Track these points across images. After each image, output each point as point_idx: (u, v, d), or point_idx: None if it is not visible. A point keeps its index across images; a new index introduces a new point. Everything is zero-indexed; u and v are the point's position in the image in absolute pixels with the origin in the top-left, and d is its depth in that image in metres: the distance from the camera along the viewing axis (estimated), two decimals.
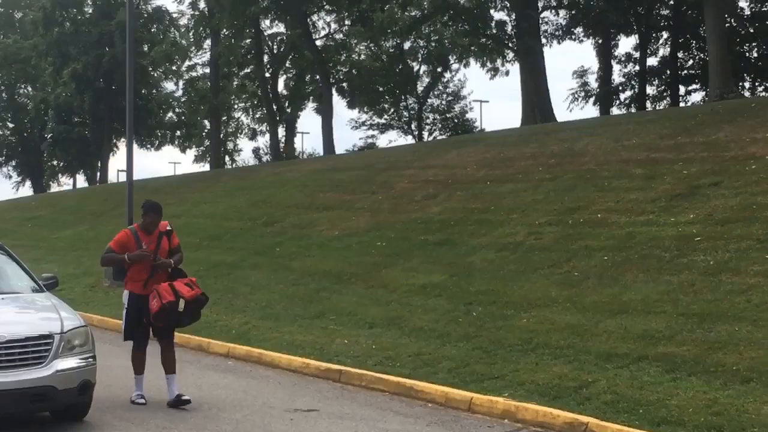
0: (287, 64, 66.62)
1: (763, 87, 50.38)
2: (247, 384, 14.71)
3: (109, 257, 12.91)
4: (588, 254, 18.32)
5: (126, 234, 12.85)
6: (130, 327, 12.82)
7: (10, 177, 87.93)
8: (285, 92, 68.76)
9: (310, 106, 71.52)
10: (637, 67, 53.61)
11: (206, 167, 75.88)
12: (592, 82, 55.16)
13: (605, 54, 52.91)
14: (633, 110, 51.08)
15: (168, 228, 12.79)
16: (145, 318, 12.61)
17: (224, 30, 59.86)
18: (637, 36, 52.61)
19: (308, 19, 56.54)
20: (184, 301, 12.40)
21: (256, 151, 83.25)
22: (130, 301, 12.73)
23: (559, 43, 49.14)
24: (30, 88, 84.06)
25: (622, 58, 54.85)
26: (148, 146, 78.51)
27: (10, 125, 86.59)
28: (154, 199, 13.40)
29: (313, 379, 15.17)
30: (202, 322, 20.00)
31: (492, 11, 48.24)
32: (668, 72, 52.36)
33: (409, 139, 73.41)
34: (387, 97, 73.02)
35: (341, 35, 62.48)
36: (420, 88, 74.02)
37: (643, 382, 12.25)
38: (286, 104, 68.58)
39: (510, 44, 48.67)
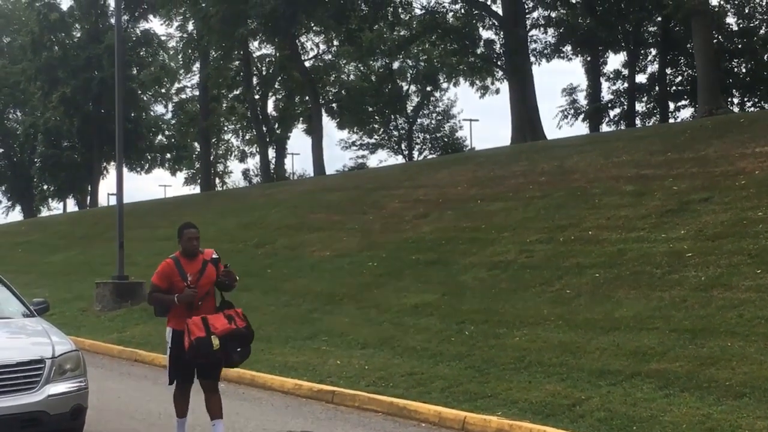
0: (276, 86, 66.73)
1: (751, 102, 50.57)
2: (240, 406, 14.66)
3: (158, 299, 11.21)
4: (579, 272, 18.33)
5: (168, 265, 11.20)
6: (174, 368, 11.22)
7: (0, 202, 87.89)
8: (274, 113, 68.85)
9: (300, 126, 71.67)
10: (626, 84, 53.75)
11: (197, 189, 75.89)
12: (582, 99, 55.29)
13: (594, 71, 53.05)
14: (622, 127, 51.17)
15: (214, 256, 11.37)
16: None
17: (213, 52, 59.96)
18: (625, 53, 52.79)
19: (296, 41, 56.60)
20: (218, 337, 10.74)
21: (245, 173, 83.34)
22: (173, 340, 11.14)
23: (548, 61, 49.25)
24: (19, 113, 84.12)
25: (611, 75, 54.98)
26: (138, 169, 78.55)
27: (0, 150, 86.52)
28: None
29: (306, 400, 15.13)
30: None
31: (480, 30, 48.48)
32: (657, 88, 52.48)
33: (399, 159, 73.58)
34: (377, 117, 73.21)
35: (330, 56, 62.65)
36: (410, 108, 74.20)
37: (636, 399, 12.24)
38: (276, 125, 68.61)
39: (499, 63, 48.84)
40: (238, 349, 11.00)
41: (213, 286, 11.31)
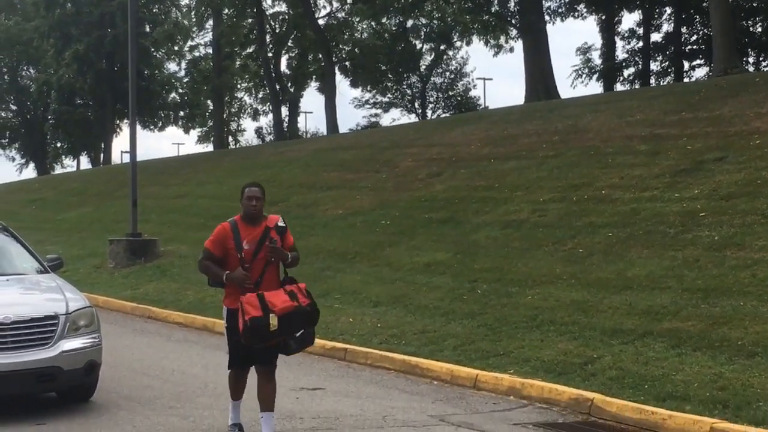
0: (289, 44, 66.50)
1: (767, 62, 50.22)
2: None
3: (206, 268, 9.78)
4: (592, 231, 18.30)
5: (223, 229, 9.71)
6: (232, 351, 9.74)
7: (14, 159, 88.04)
8: (288, 72, 68.67)
9: (313, 85, 71.55)
10: (641, 43, 53.47)
11: (210, 148, 75.92)
12: (596, 58, 55.06)
13: (608, 30, 52.79)
14: (637, 86, 50.96)
15: (280, 223, 9.80)
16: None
17: (226, 10, 59.81)
18: (640, 11, 52.41)
19: None
20: (276, 317, 9.26)
21: (258, 131, 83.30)
22: (229, 320, 9.68)
23: (562, 20, 49.04)
24: (32, 70, 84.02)
25: (626, 34, 54.69)
26: (151, 127, 78.57)
27: (13, 107, 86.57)
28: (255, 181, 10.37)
29: (319, 357, 15.19)
30: (206, 302, 20.15)
31: None
32: (672, 47, 52.19)
33: (413, 118, 73.45)
34: (390, 76, 72.98)
35: (343, 14, 62.37)
36: (423, 67, 73.94)
37: (648, 358, 12.25)
38: (289, 84, 68.47)
39: (513, 21, 48.58)
40: (299, 333, 9.51)
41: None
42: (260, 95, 77.59)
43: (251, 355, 9.54)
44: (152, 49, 72.45)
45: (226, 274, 9.45)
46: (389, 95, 76.21)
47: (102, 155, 76.45)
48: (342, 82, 71.52)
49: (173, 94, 79.41)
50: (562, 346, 13.40)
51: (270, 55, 63.35)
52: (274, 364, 9.75)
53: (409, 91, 76.01)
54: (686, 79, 50.55)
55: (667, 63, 53.57)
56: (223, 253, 9.58)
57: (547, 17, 46.00)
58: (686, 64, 52.90)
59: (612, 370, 12.12)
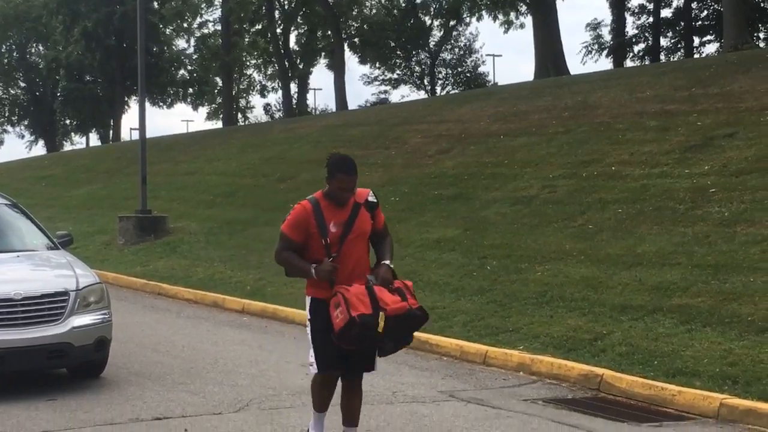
0: (299, 20, 66.38)
1: None
2: (263, 339, 14.77)
3: (287, 262, 8.16)
4: (602, 207, 18.27)
5: (304, 210, 7.99)
6: (321, 350, 8.02)
7: (23, 136, 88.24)
8: (297, 48, 68.58)
9: (322, 61, 71.53)
10: (651, 19, 53.33)
11: (219, 124, 75.90)
12: (606, 34, 54.97)
13: (618, 6, 52.61)
14: (647, 62, 50.85)
15: (370, 198, 8.12)
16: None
17: None
18: None
19: None
20: (385, 317, 7.65)
21: (267, 108, 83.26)
22: (314, 312, 8.10)
23: None
24: (41, 47, 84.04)
25: (636, 10, 54.56)
26: (160, 104, 78.62)
27: (22, 84, 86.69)
28: (346, 155, 8.23)
29: None
30: (216, 278, 20.20)
31: None
32: (682, 23, 52.05)
33: (422, 94, 73.32)
34: (399, 52, 72.86)
35: None
36: (432, 43, 73.77)
37: (657, 334, 12.25)
38: (298, 60, 68.40)
39: None
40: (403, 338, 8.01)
41: (368, 241, 8.20)
42: (269, 72, 77.52)
43: (343, 356, 7.96)
44: (161, 26, 72.45)
45: (314, 268, 7.83)
46: (398, 72, 76.08)
47: (111, 132, 76.55)
48: (351, 59, 71.44)
49: (182, 71, 79.47)
50: (571, 322, 13.40)
51: (279, 31, 63.28)
52: (365, 370, 8.22)
53: (418, 68, 75.86)
54: (696, 55, 50.44)
55: (677, 39, 53.46)
56: (305, 238, 7.96)
57: None
58: (696, 40, 52.80)
59: (621, 346, 12.12)
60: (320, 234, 7.86)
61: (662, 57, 52.49)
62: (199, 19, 76.38)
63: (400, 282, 8.04)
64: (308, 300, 8.14)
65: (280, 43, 63.17)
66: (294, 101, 66.35)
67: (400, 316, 7.67)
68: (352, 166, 7.90)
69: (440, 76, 76.02)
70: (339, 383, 8.32)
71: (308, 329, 8.19)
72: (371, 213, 8.08)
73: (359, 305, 7.55)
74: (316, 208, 7.93)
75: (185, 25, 77.31)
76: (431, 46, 74.03)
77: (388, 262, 8.09)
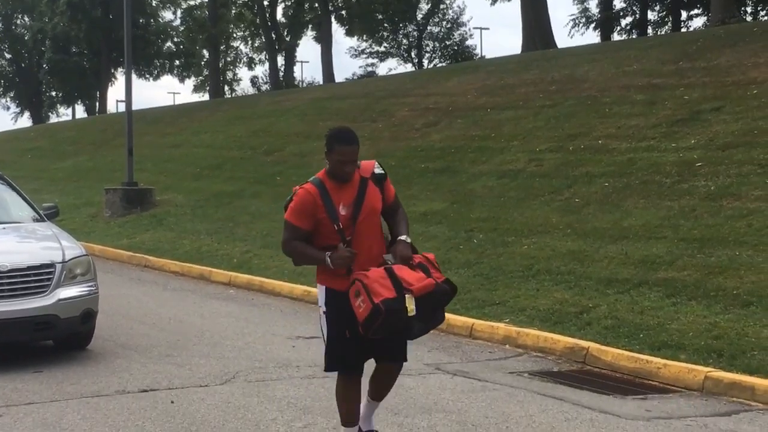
0: None
1: (765, 11, 50.03)
2: (249, 312, 14.77)
3: (297, 252, 7.29)
4: (589, 180, 18.29)
5: (308, 194, 7.13)
6: (336, 347, 7.20)
7: (9, 108, 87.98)
8: (284, 20, 68.35)
9: (310, 34, 71.33)
10: None
11: (205, 97, 75.75)
12: (593, 8, 54.86)
13: None
14: (634, 36, 50.83)
15: (377, 170, 7.44)
16: (357, 329, 6.92)
17: None
18: None
19: None
20: (414, 298, 6.81)
21: (254, 80, 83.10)
22: (329, 304, 7.22)
23: None
24: (27, 18, 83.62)
25: None
26: (147, 76, 78.43)
27: (7, 56, 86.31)
28: (344, 126, 7.62)
29: (315, 306, 15.18)
30: (203, 251, 20.19)
31: None
32: None
33: (409, 67, 73.21)
34: (386, 25, 72.68)
35: None
36: (419, 16, 73.61)
37: (643, 307, 12.28)
38: (285, 32, 68.16)
39: None
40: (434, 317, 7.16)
41: (380, 217, 7.38)
42: (256, 44, 77.32)
43: (364, 352, 7.19)
44: None
45: (329, 256, 6.95)
46: (385, 45, 75.96)
47: (97, 104, 76.35)
48: (338, 31, 71.18)
49: (168, 43, 79.28)
50: (557, 295, 13.43)
51: (266, 3, 63.01)
52: (401, 356, 7.35)
53: (405, 41, 75.74)
54: (684, 29, 50.37)
55: (664, 12, 53.42)
56: (313, 224, 7.10)
57: None
58: (684, 14, 52.82)
59: (607, 319, 12.15)
60: (330, 219, 7.03)
61: (650, 31, 52.46)
62: None
63: (420, 256, 7.19)
64: (322, 290, 7.25)
65: (267, 15, 62.96)
66: (281, 74, 66.18)
67: (428, 294, 6.86)
68: (352, 136, 7.27)
69: (427, 49, 75.97)
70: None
71: (322, 322, 7.31)
72: (380, 186, 7.35)
73: (381, 290, 6.71)
74: (322, 190, 7.10)
75: None
76: (419, 19, 73.90)
77: (404, 237, 7.24)
